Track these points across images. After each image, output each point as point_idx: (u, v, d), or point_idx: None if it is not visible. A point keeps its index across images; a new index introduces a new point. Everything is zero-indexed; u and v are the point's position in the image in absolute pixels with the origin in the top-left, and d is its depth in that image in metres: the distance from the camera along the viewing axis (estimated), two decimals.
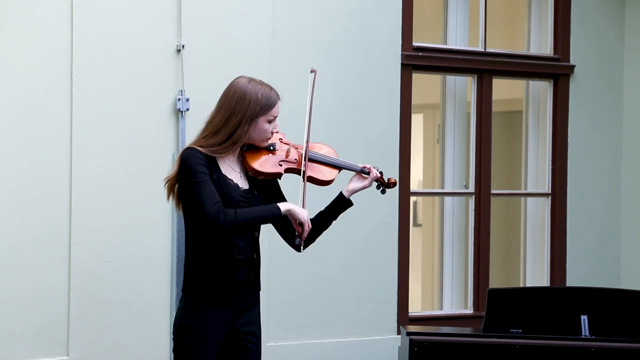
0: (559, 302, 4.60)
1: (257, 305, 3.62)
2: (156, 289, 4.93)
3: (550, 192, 6.12)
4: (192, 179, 3.40)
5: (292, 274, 5.32)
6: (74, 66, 4.75)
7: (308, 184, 3.61)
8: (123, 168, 4.84)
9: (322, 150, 3.72)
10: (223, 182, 3.46)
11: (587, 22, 6.14)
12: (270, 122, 3.54)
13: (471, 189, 5.95)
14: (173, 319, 3.93)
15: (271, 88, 3.59)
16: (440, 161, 6.19)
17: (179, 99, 4.93)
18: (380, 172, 3.78)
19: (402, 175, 5.61)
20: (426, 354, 4.43)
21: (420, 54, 5.68)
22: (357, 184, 3.73)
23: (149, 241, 4.91)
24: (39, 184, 4.71)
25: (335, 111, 5.41)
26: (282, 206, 3.48)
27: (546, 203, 6.14)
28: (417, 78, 5.75)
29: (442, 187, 6.11)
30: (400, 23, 5.59)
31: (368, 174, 3.74)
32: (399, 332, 5.51)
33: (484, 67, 5.89)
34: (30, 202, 4.69)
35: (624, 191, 6.26)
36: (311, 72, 3.72)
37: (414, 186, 7.85)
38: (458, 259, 6.08)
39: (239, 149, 3.56)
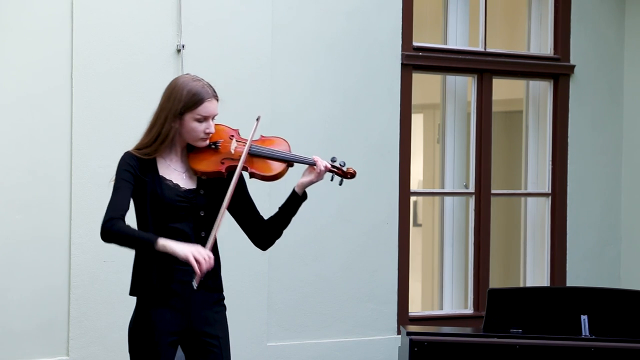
0: (559, 302, 4.60)
1: (220, 306, 3.53)
2: None
3: (550, 192, 6.12)
4: (113, 185, 3.40)
5: (292, 274, 5.32)
6: (74, 66, 4.75)
7: (259, 181, 3.52)
8: None
9: (273, 143, 3.59)
10: (158, 184, 3.40)
11: (587, 22, 6.14)
12: (199, 121, 3.42)
13: (471, 189, 5.95)
14: None
15: (204, 86, 3.46)
16: (440, 161, 6.19)
17: None
18: (341, 163, 3.63)
19: (402, 175, 5.61)
20: (426, 354, 4.42)
21: (420, 54, 5.68)
22: (306, 177, 3.58)
23: None
24: (39, 183, 4.71)
25: (335, 111, 5.41)
26: (160, 241, 3.30)
27: (546, 203, 6.14)
28: (417, 78, 5.75)
29: (442, 187, 6.11)
30: (401, 23, 5.59)
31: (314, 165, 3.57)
32: (399, 332, 5.51)
33: (484, 67, 5.89)
34: (30, 202, 4.69)
35: (624, 191, 6.26)
36: (256, 120, 3.55)
37: (414, 186, 7.84)
38: (458, 259, 6.07)
39: (182, 149, 3.49)
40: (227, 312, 3.59)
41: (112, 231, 3.32)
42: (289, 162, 3.56)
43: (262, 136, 3.62)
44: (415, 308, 7.33)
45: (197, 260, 3.26)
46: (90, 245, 4.79)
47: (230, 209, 3.56)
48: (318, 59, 5.38)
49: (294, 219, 3.67)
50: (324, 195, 5.32)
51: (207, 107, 3.44)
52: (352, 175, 3.66)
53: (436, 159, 7.41)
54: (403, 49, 5.60)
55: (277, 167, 3.54)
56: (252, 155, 3.51)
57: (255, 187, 3.72)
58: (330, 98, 5.40)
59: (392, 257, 5.59)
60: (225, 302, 3.60)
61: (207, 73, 4.98)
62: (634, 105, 6.22)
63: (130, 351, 3.47)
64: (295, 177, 3.68)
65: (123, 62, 4.86)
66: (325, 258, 5.40)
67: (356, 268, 5.49)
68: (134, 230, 3.35)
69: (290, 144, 3.63)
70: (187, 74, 3.58)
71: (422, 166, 8.30)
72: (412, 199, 6.08)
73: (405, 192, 5.63)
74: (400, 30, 5.59)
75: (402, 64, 5.60)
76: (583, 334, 4.50)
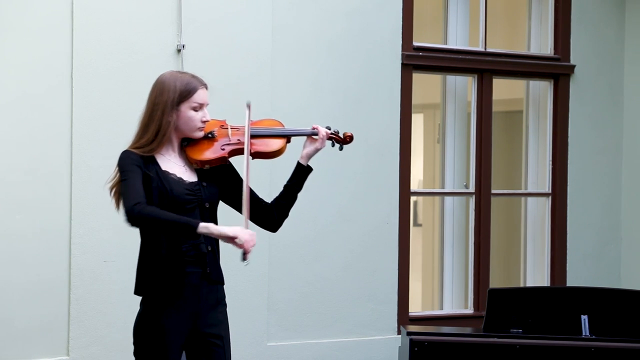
0: (559, 302, 4.60)
1: (222, 305, 3.54)
2: None
3: (550, 192, 6.12)
4: (121, 178, 3.37)
5: (292, 274, 5.32)
6: (74, 66, 4.76)
7: (263, 160, 3.57)
8: None
9: (265, 123, 3.64)
10: (164, 178, 3.41)
11: (587, 22, 6.14)
12: (195, 109, 3.46)
13: (471, 189, 5.95)
14: None
15: (193, 76, 3.51)
16: (440, 161, 6.19)
17: None
18: (336, 131, 3.68)
19: (402, 175, 5.61)
20: (426, 354, 4.42)
21: (420, 53, 5.68)
22: (310, 147, 3.62)
23: None
24: (40, 183, 4.72)
25: (335, 111, 5.41)
26: (201, 225, 3.28)
27: (546, 203, 6.14)
28: (418, 78, 5.75)
29: (443, 187, 6.11)
30: (401, 23, 5.59)
31: (317, 134, 3.63)
32: (399, 332, 5.51)
33: (484, 67, 5.89)
34: (30, 201, 4.69)
35: (624, 191, 6.26)
36: (247, 106, 3.58)
37: (414, 186, 7.84)
38: (458, 259, 6.08)
39: (178, 144, 3.50)
40: (227, 313, 3.58)
41: (143, 214, 3.28)
42: (288, 137, 3.61)
43: (251, 121, 3.63)
44: (416, 308, 7.33)
45: (245, 240, 3.30)
46: (90, 245, 4.80)
47: (230, 201, 3.60)
48: (318, 59, 5.38)
49: (293, 219, 3.67)
50: (324, 195, 5.32)
51: (201, 94, 3.48)
52: (350, 138, 3.72)
53: (436, 159, 7.40)
54: (403, 49, 5.60)
55: (278, 143, 3.58)
56: (252, 136, 3.54)
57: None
58: (330, 98, 5.40)
59: (392, 257, 5.59)
60: (226, 301, 3.59)
61: (207, 73, 4.97)
62: (634, 105, 6.22)
63: (136, 353, 3.45)
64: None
65: (123, 62, 4.86)
66: (325, 258, 5.40)
67: (356, 268, 5.49)
68: (168, 213, 3.33)
69: (282, 122, 3.66)
70: (168, 70, 3.58)
71: (422, 166, 8.30)
72: (412, 199, 6.08)
73: (405, 192, 5.63)
74: (401, 30, 5.59)
75: (402, 64, 5.60)
76: (583, 334, 4.50)
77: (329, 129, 3.65)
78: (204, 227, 3.29)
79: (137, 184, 3.34)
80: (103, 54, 4.81)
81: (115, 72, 4.84)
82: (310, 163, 3.65)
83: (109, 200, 4.81)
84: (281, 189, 3.64)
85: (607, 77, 6.22)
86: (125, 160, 3.40)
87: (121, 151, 3.47)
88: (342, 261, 5.45)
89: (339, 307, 5.45)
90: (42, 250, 4.72)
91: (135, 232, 4.83)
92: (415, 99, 5.71)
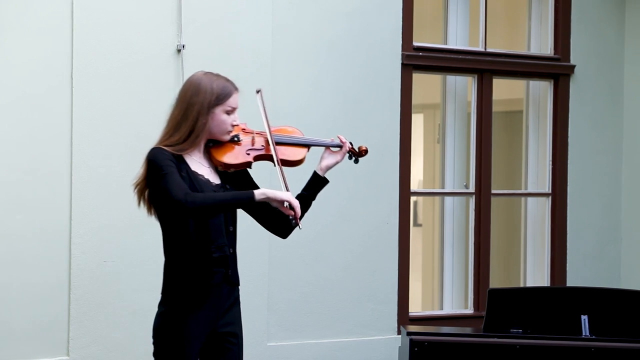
0: (559, 302, 4.60)
1: (237, 304, 3.58)
2: (156, 289, 4.88)
3: (550, 192, 6.12)
4: (159, 173, 3.35)
5: (292, 274, 5.31)
6: (74, 66, 4.76)
7: (266, 161, 3.58)
8: (123, 168, 4.83)
9: (288, 131, 3.66)
10: (194, 179, 3.42)
11: (587, 22, 6.14)
12: (228, 113, 3.49)
13: (471, 189, 5.95)
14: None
15: (227, 80, 3.55)
16: (440, 161, 6.19)
17: None
18: (351, 143, 3.71)
19: (402, 175, 5.61)
20: (426, 354, 4.42)
21: (420, 54, 5.68)
22: (329, 159, 3.66)
23: (149, 241, 4.90)
24: (39, 183, 4.71)
25: (335, 111, 5.41)
26: (257, 192, 3.38)
27: (546, 203, 6.14)
28: (418, 78, 5.75)
29: (443, 187, 6.11)
30: (401, 23, 5.59)
31: (340, 147, 3.67)
32: (399, 332, 5.51)
33: (484, 67, 5.89)
34: (30, 201, 4.69)
35: (624, 191, 6.26)
36: (257, 92, 3.63)
37: (414, 186, 7.85)
38: (458, 259, 6.07)
39: (203, 145, 3.52)
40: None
41: (197, 203, 3.29)
42: (309, 147, 3.63)
43: (273, 127, 3.64)
44: (416, 308, 7.33)
45: (295, 206, 3.38)
46: (90, 245, 4.79)
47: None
48: (318, 59, 5.37)
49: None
50: (324, 195, 5.31)
51: (235, 98, 3.53)
52: (365, 152, 3.76)
53: (436, 159, 7.41)
54: (403, 49, 5.60)
55: (300, 152, 3.61)
56: (276, 143, 3.57)
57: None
58: (330, 98, 5.40)
59: (392, 257, 5.59)
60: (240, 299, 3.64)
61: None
62: (634, 105, 6.22)
63: (156, 352, 3.46)
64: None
65: (123, 62, 4.86)
66: (325, 258, 5.40)
67: (356, 268, 5.49)
68: (215, 194, 3.37)
69: (300, 130, 3.68)
70: (200, 71, 3.58)
71: (422, 166, 8.30)
72: (412, 199, 6.08)
73: (405, 192, 5.63)
74: (401, 30, 5.59)
75: (403, 64, 5.60)
76: (583, 334, 4.50)
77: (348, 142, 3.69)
78: (261, 193, 3.37)
79: (178, 177, 3.35)
80: (103, 54, 4.81)
81: (115, 72, 4.84)
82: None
83: (108, 200, 4.84)
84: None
85: (607, 77, 6.22)
86: (160, 156, 3.39)
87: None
88: (342, 261, 5.45)
89: (339, 307, 5.45)
90: (42, 250, 4.72)
91: (135, 232, 4.86)
92: (415, 99, 5.71)
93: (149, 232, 4.90)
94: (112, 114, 4.83)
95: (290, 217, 3.44)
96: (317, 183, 3.65)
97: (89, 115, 4.79)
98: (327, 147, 3.68)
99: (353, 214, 5.47)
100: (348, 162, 3.82)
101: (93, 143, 4.80)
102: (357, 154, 3.74)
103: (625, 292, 4.76)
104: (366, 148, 3.76)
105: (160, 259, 4.91)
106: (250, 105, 3.73)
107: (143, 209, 4.91)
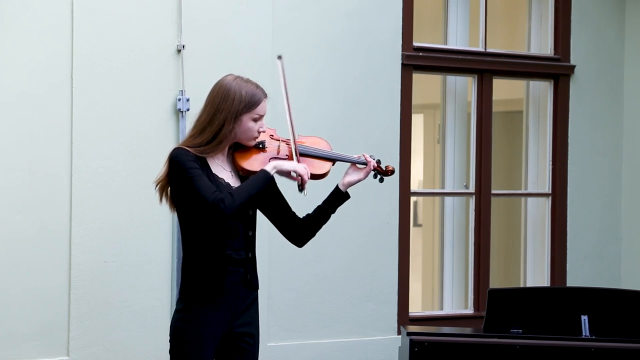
0: (559, 302, 4.60)
1: (255, 305, 3.60)
2: (156, 289, 4.93)
3: (550, 192, 6.12)
4: (185, 175, 3.36)
5: (292, 274, 5.32)
6: (74, 66, 4.75)
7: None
8: (123, 168, 4.84)
9: (315, 143, 3.65)
10: (214, 182, 3.42)
11: (587, 22, 6.14)
12: (255, 120, 3.49)
13: (471, 189, 5.95)
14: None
15: (257, 86, 3.54)
16: (440, 161, 6.19)
17: (179, 99, 4.93)
18: (378, 161, 3.69)
19: (402, 175, 5.61)
20: (426, 354, 4.42)
21: (420, 54, 5.68)
22: (353, 176, 3.67)
23: (149, 241, 4.91)
24: (39, 183, 4.71)
25: (335, 111, 5.41)
26: (268, 167, 3.44)
27: (546, 203, 6.14)
28: (418, 78, 5.75)
29: (443, 187, 6.11)
30: (401, 23, 5.59)
31: (365, 164, 3.67)
32: (399, 332, 5.51)
33: (484, 67, 5.89)
34: (30, 202, 4.69)
35: (624, 191, 6.26)
36: (278, 58, 3.64)
37: (415, 186, 7.84)
38: (458, 259, 6.07)
39: (227, 149, 3.53)
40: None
41: (234, 203, 3.33)
42: (334, 161, 3.63)
43: (300, 136, 3.65)
44: (416, 308, 7.33)
45: (302, 174, 3.46)
46: (90, 245, 4.79)
47: (264, 208, 3.64)
48: (318, 59, 5.37)
49: None
50: (323, 195, 5.31)
51: (264, 106, 3.52)
52: (392, 172, 3.72)
53: (436, 159, 7.41)
54: (403, 49, 5.60)
55: (324, 166, 3.60)
56: (300, 154, 3.56)
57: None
58: (330, 98, 5.40)
59: (392, 257, 5.59)
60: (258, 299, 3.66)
61: (207, 73, 5.02)
62: (634, 105, 6.22)
63: (173, 350, 3.47)
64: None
65: (123, 62, 4.86)
66: (325, 258, 5.40)
67: (356, 268, 5.49)
68: (245, 185, 3.40)
69: (329, 143, 3.68)
70: (229, 74, 3.58)
71: (422, 166, 8.30)
72: (412, 199, 6.08)
73: (405, 192, 5.63)
74: (401, 30, 5.59)
75: (403, 64, 5.60)
76: (583, 334, 4.50)
77: (373, 159, 3.68)
78: (272, 167, 3.44)
79: (206, 180, 3.37)
80: (103, 54, 4.81)
81: (115, 72, 4.84)
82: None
83: (108, 200, 4.84)
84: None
85: (607, 77, 6.22)
86: (185, 157, 3.40)
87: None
88: (342, 261, 5.45)
89: (339, 307, 5.45)
90: (43, 250, 4.72)
91: (135, 232, 4.87)
92: (415, 99, 5.71)
93: (149, 232, 4.91)
94: (112, 114, 4.83)
95: (298, 185, 3.47)
96: (337, 198, 3.67)
97: (89, 116, 4.79)
98: (353, 163, 3.67)
99: (353, 214, 5.47)
100: (374, 177, 3.77)
101: (93, 143, 4.80)
102: (383, 173, 3.70)
103: (625, 292, 4.77)
104: (393, 168, 3.72)
105: (160, 259, 4.95)
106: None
107: (142, 209, 4.94)
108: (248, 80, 3.53)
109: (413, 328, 4.81)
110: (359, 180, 3.67)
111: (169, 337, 3.52)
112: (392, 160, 5.56)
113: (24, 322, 4.69)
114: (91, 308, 4.80)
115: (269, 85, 5.17)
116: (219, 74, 4.87)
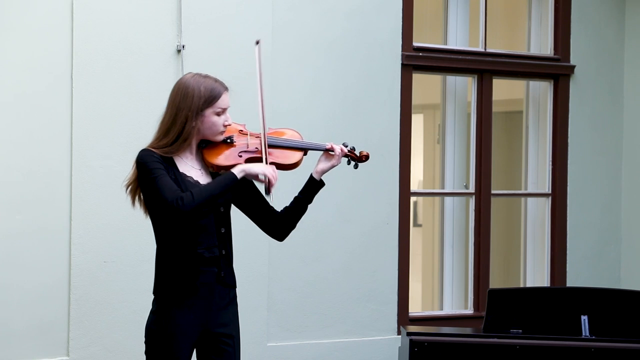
0: (559, 302, 4.60)
1: (234, 304, 3.58)
2: None
3: (550, 192, 6.12)
4: (149, 176, 3.36)
5: (292, 274, 5.32)
6: (74, 65, 4.76)
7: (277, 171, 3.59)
8: (123, 168, 4.82)
9: (285, 134, 3.65)
10: (181, 181, 3.42)
11: (587, 22, 6.14)
12: (218, 114, 3.48)
13: (471, 189, 5.95)
14: None
15: (216, 80, 3.52)
16: (440, 161, 6.19)
17: None
18: (352, 148, 3.70)
19: (402, 175, 5.61)
20: (426, 354, 4.42)
21: (420, 54, 5.68)
22: (325, 163, 3.66)
23: (149, 241, 4.87)
24: (39, 183, 4.71)
25: (335, 111, 5.41)
26: (236, 170, 3.42)
27: (546, 203, 6.14)
28: (418, 78, 5.75)
29: (443, 187, 6.11)
30: (401, 23, 5.59)
31: (333, 151, 3.66)
32: (399, 333, 5.51)
33: (484, 67, 5.89)
34: (30, 202, 4.69)
35: (624, 191, 6.26)
36: (256, 43, 3.60)
37: (414, 186, 7.85)
38: (458, 259, 6.07)
39: (195, 146, 3.52)
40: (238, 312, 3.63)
41: (193, 203, 3.31)
42: (305, 150, 3.63)
43: (270, 128, 3.65)
44: (416, 308, 7.33)
45: (270, 177, 3.44)
46: (90, 245, 4.79)
47: (240, 205, 3.64)
48: (318, 59, 5.38)
49: None
50: (323, 195, 5.31)
51: (225, 99, 3.50)
52: (366, 157, 3.74)
53: (436, 159, 7.41)
54: (403, 49, 5.60)
55: (295, 155, 3.60)
56: (270, 146, 3.56)
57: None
58: (330, 98, 5.40)
59: (392, 257, 5.59)
60: (237, 301, 3.63)
61: (207, 73, 5.02)
62: (634, 105, 6.22)
63: (147, 351, 3.49)
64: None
65: (123, 62, 4.86)
66: (325, 258, 5.40)
67: (356, 268, 5.49)
68: (205, 187, 3.38)
69: (300, 133, 3.68)
70: (189, 72, 3.58)
71: (422, 166, 8.30)
72: (412, 199, 6.08)
73: (405, 192, 5.63)
74: (401, 31, 5.59)
75: (402, 64, 5.60)
76: (583, 334, 4.50)
77: (346, 146, 3.67)
78: (240, 170, 3.41)
79: (169, 180, 3.36)
80: (103, 54, 4.81)
81: (115, 72, 4.84)
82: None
83: (108, 200, 4.84)
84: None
85: (607, 77, 6.22)
86: (149, 158, 3.40)
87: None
88: (342, 261, 5.45)
89: (339, 307, 5.45)
90: (42, 250, 4.72)
91: (135, 232, 4.87)
92: (415, 99, 5.71)
93: (148, 232, 4.88)
94: (112, 114, 4.83)
95: (265, 186, 3.46)
96: (312, 186, 3.66)
97: (89, 115, 4.79)
98: (325, 151, 3.67)
99: (353, 214, 5.47)
100: (347, 164, 3.81)
101: (93, 143, 4.80)
102: (357, 159, 3.73)
103: (625, 292, 4.77)
104: (367, 154, 3.74)
105: None
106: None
107: (141, 209, 4.93)
108: (207, 76, 3.52)
109: (413, 328, 4.81)
110: (332, 167, 3.66)
111: (144, 339, 3.51)
112: (392, 160, 5.57)
113: (23, 322, 4.69)
114: (91, 308, 4.80)
115: (269, 85, 5.20)
116: (219, 74, 4.88)
